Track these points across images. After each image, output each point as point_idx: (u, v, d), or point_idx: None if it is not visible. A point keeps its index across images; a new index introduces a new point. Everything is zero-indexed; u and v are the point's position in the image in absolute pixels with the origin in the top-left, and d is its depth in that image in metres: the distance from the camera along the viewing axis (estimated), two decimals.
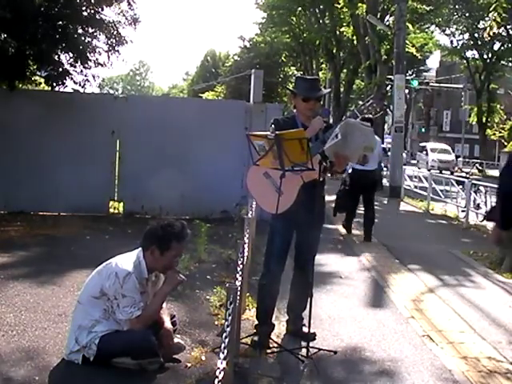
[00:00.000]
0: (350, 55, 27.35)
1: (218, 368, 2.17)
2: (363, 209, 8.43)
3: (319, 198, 4.00)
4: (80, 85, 9.61)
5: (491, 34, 19.33)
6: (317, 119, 4.03)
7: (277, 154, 3.62)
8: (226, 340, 2.39)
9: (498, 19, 8.63)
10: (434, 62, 72.31)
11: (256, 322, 4.25)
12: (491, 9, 8.40)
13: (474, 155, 44.85)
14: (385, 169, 16.93)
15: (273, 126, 3.97)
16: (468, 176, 14.50)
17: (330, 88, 27.21)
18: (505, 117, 37.32)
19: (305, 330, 4.12)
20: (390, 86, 22.24)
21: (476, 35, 30.77)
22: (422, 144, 38.82)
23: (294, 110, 4.17)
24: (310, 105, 4.02)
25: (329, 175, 4.13)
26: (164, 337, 3.66)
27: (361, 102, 31.94)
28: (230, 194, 9.25)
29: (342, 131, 3.66)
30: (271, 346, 4.00)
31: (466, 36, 31.60)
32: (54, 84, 9.27)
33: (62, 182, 9.03)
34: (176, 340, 3.78)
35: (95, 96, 11.51)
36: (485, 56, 31.78)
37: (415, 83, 35.66)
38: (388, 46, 20.21)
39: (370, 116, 4.14)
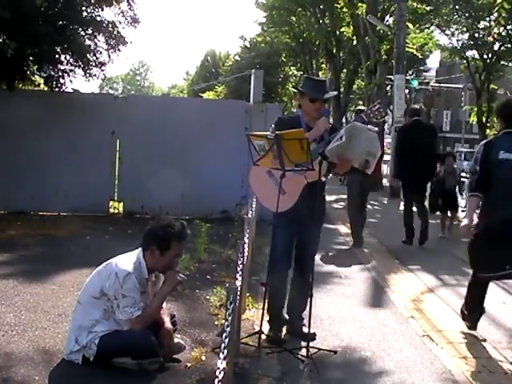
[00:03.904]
0: (350, 55, 27.27)
1: (218, 368, 2.17)
2: None
3: (320, 198, 4.01)
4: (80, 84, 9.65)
5: (495, 36, 19.31)
6: (322, 120, 4.02)
7: (277, 153, 3.62)
8: (226, 340, 2.39)
9: (502, 21, 8.61)
10: (434, 61, 72.27)
11: (267, 318, 4.25)
12: (494, 10, 8.38)
13: None
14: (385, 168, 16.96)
15: (272, 125, 3.97)
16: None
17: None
18: None
19: (305, 330, 4.12)
20: (390, 86, 22.19)
21: (476, 35, 30.69)
22: None
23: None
24: (317, 106, 4.03)
25: (330, 175, 4.15)
26: (164, 337, 3.65)
27: (361, 103, 31.87)
28: (229, 194, 9.25)
29: (347, 133, 3.66)
30: (271, 346, 4.01)
31: (466, 36, 31.53)
32: (54, 85, 9.27)
33: (62, 181, 9.04)
34: (176, 340, 3.78)
35: (95, 96, 11.54)
36: (485, 56, 31.71)
37: (415, 83, 35.54)
38: (388, 46, 20.17)
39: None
